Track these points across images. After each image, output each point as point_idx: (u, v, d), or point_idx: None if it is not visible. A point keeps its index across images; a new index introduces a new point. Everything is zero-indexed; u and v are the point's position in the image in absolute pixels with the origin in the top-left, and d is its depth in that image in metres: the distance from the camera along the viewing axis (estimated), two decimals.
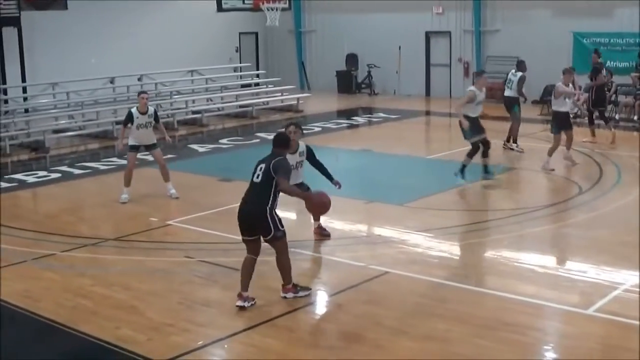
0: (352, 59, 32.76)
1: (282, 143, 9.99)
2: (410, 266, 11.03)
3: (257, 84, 31.15)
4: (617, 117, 23.46)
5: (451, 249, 12.13)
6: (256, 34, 34.58)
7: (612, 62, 25.71)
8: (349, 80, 32.55)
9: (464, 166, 15.61)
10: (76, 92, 25.50)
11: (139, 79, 27.49)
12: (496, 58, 28.78)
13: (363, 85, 32.45)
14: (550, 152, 17.02)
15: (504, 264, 11.25)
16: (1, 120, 22.66)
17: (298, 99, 28.67)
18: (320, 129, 23.94)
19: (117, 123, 23.26)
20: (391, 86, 31.27)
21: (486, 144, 15.79)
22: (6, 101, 24.81)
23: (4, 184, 17.05)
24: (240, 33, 33.69)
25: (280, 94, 29.17)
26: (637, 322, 8.81)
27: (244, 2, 23.23)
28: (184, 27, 30.77)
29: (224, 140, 22.24)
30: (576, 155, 17.92)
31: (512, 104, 19.49)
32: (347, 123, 25.37)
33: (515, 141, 19.40)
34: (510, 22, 28.56)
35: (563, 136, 17.20)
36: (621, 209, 13.88)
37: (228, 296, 9.93)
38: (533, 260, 11.32)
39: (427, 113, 27.59)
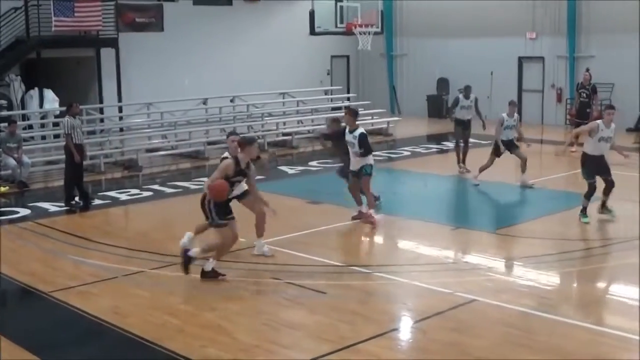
0: (443, 84, 32.63)
1: None
2: (498, 294, 10.84)
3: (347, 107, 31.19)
4: None
5: (541, 278, 11.89)
6: (348, 57, 34.73)
7: None
8: (439, 105, 32.39)
9: (584, 208, 14.84)
10: (170, 112, 25.97)
11: (232, 101, 27.86)
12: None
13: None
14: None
15: (595, 295, 10.99)
16: (97, 138, 23.21)
17: (388, 122, 28.65)
18: (409, 153, 23.86)
19: (209, 143, 23.66)
20: (483, 111, 30.80)
21: (608, 183, 14.77)
22: (102, 120, 25.44)
23: (98, 201, 17.40)
24: (332, 56, 33.91)
25: (370, 117, 29.18)
26: None
27: (336, 26, 23.29)
28: (276, 49, 31.11)
29: (314, 163, 22.31)
30: None
31: (469, 126, 20.40)
32: (437, 148, 25.21)
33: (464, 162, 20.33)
34: (605, 47, 28.05)
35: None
36: None
37: (313, 319, 9.92)
38: (627, 293, 11.03)
39: (519, 139, 27.13)
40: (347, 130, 14.56)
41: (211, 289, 11.32)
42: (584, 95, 23.39)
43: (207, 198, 11.46)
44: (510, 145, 18.64)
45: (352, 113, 14.79)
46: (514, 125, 18.58)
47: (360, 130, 14.41)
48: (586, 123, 20.28)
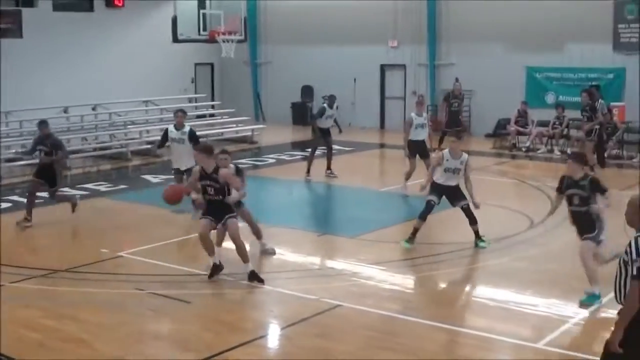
0: (307, 91, 32.88)
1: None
2: (362, 299, 11.02)
3: (212, 115, 31.14)
4: (569, 151, 23.75)
5: (403, 282, 12.15)
6: (212, 64, 34.59)
7: (564, 97, 26.12)
8: (304, 112, 32.60)
9: (414, 229, 13.92)
10: (29, 120, 25.23)
11: (93, 109, 27.36)
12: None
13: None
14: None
15: (456, 297, 11.32)
16: None
17: (253, 130, 28.67)
18: (274, 160, 23.96)
19: (70, 153, 23.11)
20: (346, 118, 31.36)
21: (465, 212, 13.93)
22: None
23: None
24: (195, 64, 33.69)
25: (235, 125, 29.17)
26: (586, 356, 8.88)
27: (199, 34, 23.18)
28: (139, 56, 30.68)
29: None
30: (529, 189, 18.09)
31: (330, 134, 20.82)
32: (302, 155, 25.37)
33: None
34: (464, 56, 28.85)
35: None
36: (571, 243, 14.00)
37: (178, 329, 9.85)
38: (485, 294, 11.39)
39: (382, 145, 27.70)
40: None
41: (72, 302, 11.10)
42: (455, 104, 24.06)
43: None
44: (422, 148, 18.24)
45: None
46: (424, 124, 18.38)
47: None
48: (459, 131, 20.92)
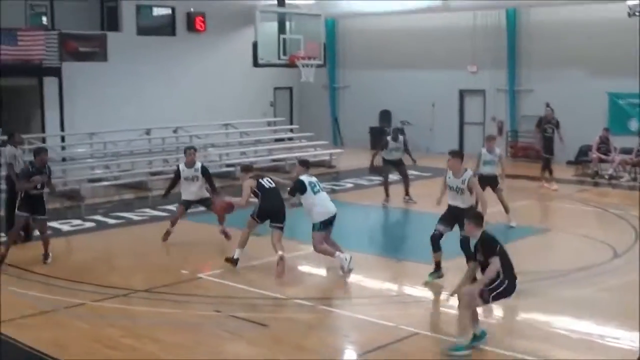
0: (385, 116, 32.87)
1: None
2: (440, 327, 10.93)
3: (290, 139, 31.31)
4: None
5: (482, 312, 11.97)
6: (291, 89, 34.86)
7: None
8: (381, 137, 32.53)
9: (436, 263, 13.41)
10: (113, 142, 25.78)
11: (175, 131, 27.76)
12: (530, 117, 28.73)
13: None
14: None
15: (536, 328, 11.11)
16: None
17: (331, 154, 28.76)
18: (352, 185, 23.99)
19: (152, 174, 23.55)
20: (424, 143, 31.26)
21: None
22: None
23: (39, 232, 17.16)
24: (275, 88, 33.99)
25: (313, 149, 29.28)
26: None
27: (279, 58, 23.40)
28: (220, 80, 31.10)
29: None
30: (612, 218, 17.76)
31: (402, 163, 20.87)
32: (380, 180, 25.32)
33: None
34: (544, 81, 28.55)
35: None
36: None
37: (255, 352, 9.90)
38: (566, 325, 11.18)
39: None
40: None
41: (152, 322, 11.25)
42: (550, 130, 23.17)
43: None
44: (490, 182, 17.34)
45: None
46: (494, 160, 17.70)
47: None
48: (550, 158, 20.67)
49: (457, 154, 13.47)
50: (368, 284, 13.22)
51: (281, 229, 13.60)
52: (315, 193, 13.51)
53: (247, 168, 14.44)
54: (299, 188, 13.47)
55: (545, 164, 22.79)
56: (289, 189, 13.69)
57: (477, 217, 10.21)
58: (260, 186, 13.70)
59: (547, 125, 23.37)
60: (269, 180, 14.00)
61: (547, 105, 24.17)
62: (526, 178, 24.03)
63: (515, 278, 9.96)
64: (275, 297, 12.27)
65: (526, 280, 13.23)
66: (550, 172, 22.58)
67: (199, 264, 14.47)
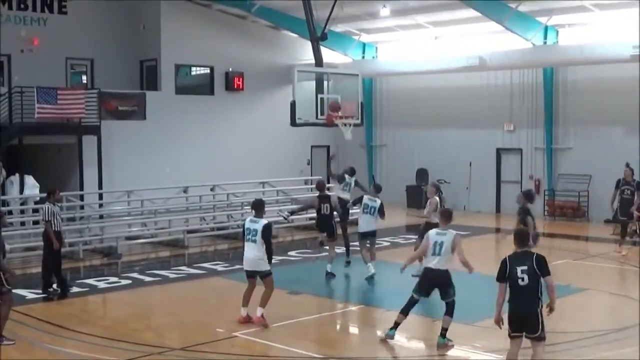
0: (422, 174, 32.85)
1: None
2: None
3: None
4: None
5: None
6: (328, 147, 35.01)
7: None
8: (418, 195, 32.53)
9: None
10: (150, 200, 25.96)
11: (212, 189, 27.90)
12: (568, 176, 28.66)
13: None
14: None
15: None
16: (77, 225, 23.15)
17: None
18: (389, 243, 23.89)
19: (189, 232, 23.67)
20: (461, 202, 31.17)
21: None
22: (82, 207, 25.39)
23: (76, 289, 17.28)
24: (312, 146, 34.17)
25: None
26: None
27: (317, 117, 23.50)
28: (257, 139, 31.38)
29: (293, 253, 22.29)
30: None
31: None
32: (416, 238, 25.22)
33: None
34: (582, 139, 28.46)
35: None
36: None
37: None
38: None
39: (498, 230, 27.34)
40: None
41: None
42: (628, 192, 21.96)
43: None
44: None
45: None
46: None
47: None
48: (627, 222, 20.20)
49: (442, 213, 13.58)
50: (405, 344, 13.16)
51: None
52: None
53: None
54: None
55: (622, 227, 22.03)
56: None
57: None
58: None
59: (625, 187, 22.18)
60: None
61: (627, 165, 22.94)
62: (563, 237, 23.81)
63: None
64: (312, 357, 12.18)
65: (566, 340, 13.12)
66: (623, 236, 21.97)
67: (235, 322, 14.40)
